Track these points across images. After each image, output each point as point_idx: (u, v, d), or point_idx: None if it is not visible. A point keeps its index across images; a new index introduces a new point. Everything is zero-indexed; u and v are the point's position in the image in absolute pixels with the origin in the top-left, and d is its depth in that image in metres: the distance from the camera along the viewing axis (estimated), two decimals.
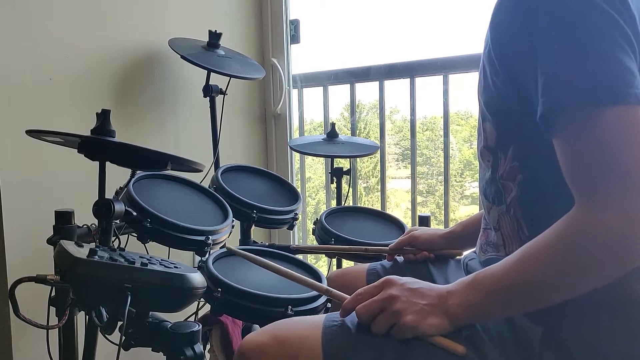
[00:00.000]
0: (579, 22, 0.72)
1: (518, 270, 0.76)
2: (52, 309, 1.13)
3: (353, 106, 2.30)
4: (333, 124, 1.90)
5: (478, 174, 0.99)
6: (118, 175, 1.20)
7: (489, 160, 0.91)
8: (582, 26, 0.72)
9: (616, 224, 0.69)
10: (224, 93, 1.88)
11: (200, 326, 1.00)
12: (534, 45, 0.74)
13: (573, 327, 0.80)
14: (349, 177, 1.93)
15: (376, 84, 2.21)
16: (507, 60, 0.80)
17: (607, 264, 0.72)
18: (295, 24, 2.31)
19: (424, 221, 1.66)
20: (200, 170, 1.22)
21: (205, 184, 1.54)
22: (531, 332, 0.81)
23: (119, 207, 1.09)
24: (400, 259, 1.25)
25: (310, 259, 2.21)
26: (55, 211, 1.17)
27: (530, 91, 0.76)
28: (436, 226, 2.40)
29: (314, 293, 1.13)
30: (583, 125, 0.71)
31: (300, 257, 1.40)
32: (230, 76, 1.85)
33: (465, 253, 1.06)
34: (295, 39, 2.32)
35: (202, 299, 1.14)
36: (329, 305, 1.16)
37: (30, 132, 1.09)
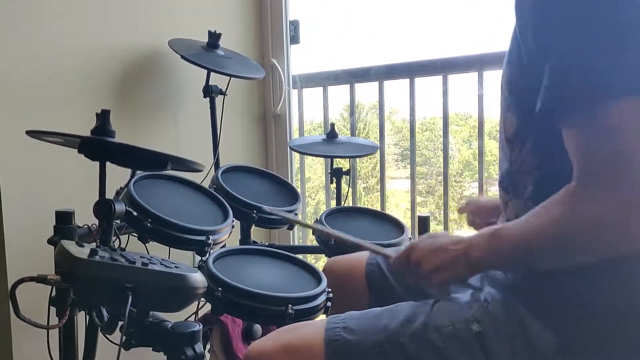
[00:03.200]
0: (615, 15, 0.73)
1: (518, 234, 0.81)
2: (52, 309, 1.13)
3: (353, 106, 2.30)
4: (333, 125, 1.90)
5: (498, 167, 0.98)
6: (118, 175, 1.20)
7: (506, 152, 0.91)
8: (620, 18, 0.73)
9: (609, 210, 0.72)
10: (224, 93, 1.89)
11: (201, 326, 1.00)
12: (568, 31, 0.75)
13: (587, 335, 0.80)
14: (348, 177, 1.93)
15: (376, 84, 2.21)
16: (535, 43, 0.79)
17: (593, 245, 0.75)
18: (295, 25, 2.31)
19: (424, 221, 1.66)
20: (200, 170, 1.22)
21: (205, 184, 1.54)
22: (546, 340, 0.81)
23: (120, 207, 1.09)
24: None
25: (310, 259, 2.21)
26: (56, 211, 1.17)
27: (555, 76, 0.76)
28: (436, 227, 2.40)
29: (314, 292, 1.13)
30: (597, 114, 0.72)
31: (300, 257, 1.40)
32: (230, 76, 1.85)
33: None
34: (295, 39, 2.32)
35: (202, 299, 1.14)
36: (329, 304, 1.16)
37: (30, 133, 1.09)
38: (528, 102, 0.83)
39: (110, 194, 1.11)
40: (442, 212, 2.63)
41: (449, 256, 0.87)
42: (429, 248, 0.90)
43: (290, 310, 1.07)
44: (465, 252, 0.86)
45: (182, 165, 1.18)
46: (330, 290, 1.17)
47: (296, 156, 2.38)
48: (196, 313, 1.60)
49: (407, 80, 2.13)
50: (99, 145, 1.06)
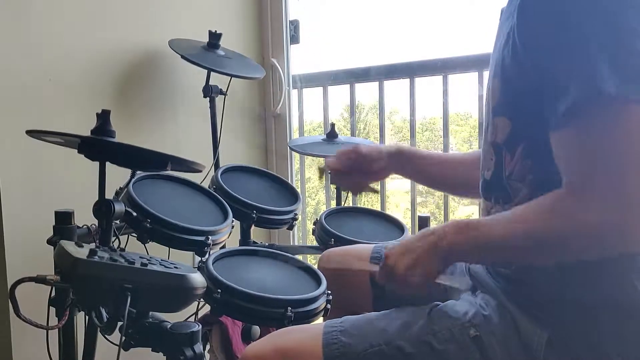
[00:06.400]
0: (612, 18, 0.73)
1: (500, 232, 0.80)
2: (52, 309, 1.13)
3: (353, 107, 2.30)
4: (333, 125, 1.90)
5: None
6: (118, 176, 1.20)
7: (492, 158, 0.91)
8: (616, 22, 0.72)
9: (603, 216, 0.71)
10: (224, 93, 1.89)
11: (200, 326, 1.00)
12: (564, 34, 0.74)
13: (578, 330, 0.81)
14: None
15: (376, 84, 2.21)
16: (532, 47, 0.79)
17: (576, 249, 0.76)
18: (295, 25, 2.31)
19: (424, 221, 1.66)
20: (200, 171, 1.22)
21: (205, 184, 1.54)
22: (537, 336, 0.82)
23: (119, 207, 1.09)
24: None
25: (309, 260, 2.21)
26: (55, 211, 1.17)
27: (553, 80, 0.76)
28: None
29: (314, 294, 1.13)
30: (610, 119, 0.72)
31: (300, 257, 1.40)
32: (231, 76, 1.85)
33: None
34: (295, 39, 2.32)
35: (202, 299, 1.14)
36: (328, 306, 1.16)
37: (30, 133, 1.09)
38: (524, 106, 0.83)
39: (109, 194, 1.11)
40: (442, 212, 2.62)
41: (416, 254, 0.86)
42: (398, 252, 0.89)
43: (289, 313, 1.07)
44: (434, 244, 0.85)
45: (182, 165, 1.18)
46: (330, 292, 1.17)
47: (296, 156, 2.38)
48: (196, 313, 1.60)
49: (407, 80, 2.13)
50: (98, 145, 1.05)
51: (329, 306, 1.16)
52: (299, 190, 1.80)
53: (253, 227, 1.62)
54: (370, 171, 1.15)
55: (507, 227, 0.80)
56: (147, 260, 0.90)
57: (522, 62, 0.80)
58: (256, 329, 1.47)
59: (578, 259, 0.79)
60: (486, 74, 1.99)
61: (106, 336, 0.99)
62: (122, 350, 0.89)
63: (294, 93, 2.36)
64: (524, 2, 0.79)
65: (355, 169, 1.15)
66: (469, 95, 2.40)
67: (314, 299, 1.12)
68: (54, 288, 1.09)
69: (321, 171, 1.24)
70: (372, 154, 1.15)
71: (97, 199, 1.07)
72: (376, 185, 1.23)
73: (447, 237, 0.84)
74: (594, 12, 0.73)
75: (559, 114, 0.74)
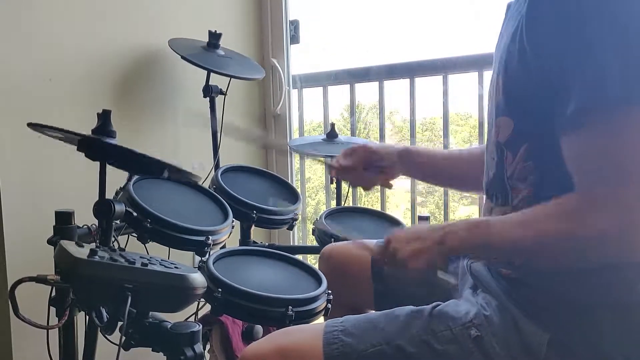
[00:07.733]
0: (621, 21, 0.73)
1: (511, 234, 0.81)
2: (52, 309, 1.13)
3: (353, 107, 2.30)
4: (333, 125, 1.90)
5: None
6: (118, 176, 1.20)
7: (494, 158, 0.91)
8: (624, 24, 0.73)
9: (612, 227, 0.72)
10: (224, 93, 1.89)
11: (200, 326, 1.00)
12: (572, 37, 0.74)
13: (579, 332, 0.81)
14: None
15: (376, 84, 2.21)
16: (540, 48, 0.79)
17: (592, 255, 0.77)
18: (295, 25, 2.31)
19: (424, 221, 1.65)
20: (196, 182, 1.21)
21: (206, 184, 1.54)
22: (538, 337, 0.82)
23: (119, 207, 1.09)
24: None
25: (310, 260, 2.21)
26: (56, 211, 1.17)
27: (560, 83, 0.76)
28: None
29: (315, 293, 1.13)
30: (618, 122, 0.72)
31: (300, 257, 1.40)
32: (231, 77, 1.85)
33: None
34: (295, 39, 2.32)
35: (202, 299, 1.14)
36: (329, 306, 1.16)
37: (31, 125, 1.09)
38: (528, 107, 0.83)
39: (110, 194, 1.11)
40: (442, 212, 2.63)
41: (423, 244, 0.87)
42: (405, 237, 0.90)
43: (290, 312, 1.06)
44: (441, 240, 0.86)
45: (179, 174, 1.18)
46: (330, 292, 1.17)
47: (296, 156, 2.38)
48: (196, 313, 1.60)
49: (407, 80, 2.13)
50: (97, 145, 1.05)
51: (329, 306, 1.16)
52: (299, 190, 1.80)
53: (253, 227, 1.62)
54: (379, 167, 1.21)
55: (517, 229, 0.80)
56: (147, 260, 0.90)
57: (529, 63, 0.80)
58: (259, 329, 1.47)
59: (585, 263, 0.80)
60: (486, 74, 1.99)
61: (106, 336, 0.99)
62: (122, 350, 0.89)
63: (294, 93, 2.36)
64: (532, 3, 0.79)
65: (365, 165, 1.22)
66: (469, 95, 2.41)
67: (314, 298, 1.12)
68: (54, 288, 1.09)
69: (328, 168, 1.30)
70: (381, 151, 1.21)
71: (97, 199, 1.07)
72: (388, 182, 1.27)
73: (457, 234, 0.85)
74: (601, 14, 0.73)
75: (567, 117, 0.74)
